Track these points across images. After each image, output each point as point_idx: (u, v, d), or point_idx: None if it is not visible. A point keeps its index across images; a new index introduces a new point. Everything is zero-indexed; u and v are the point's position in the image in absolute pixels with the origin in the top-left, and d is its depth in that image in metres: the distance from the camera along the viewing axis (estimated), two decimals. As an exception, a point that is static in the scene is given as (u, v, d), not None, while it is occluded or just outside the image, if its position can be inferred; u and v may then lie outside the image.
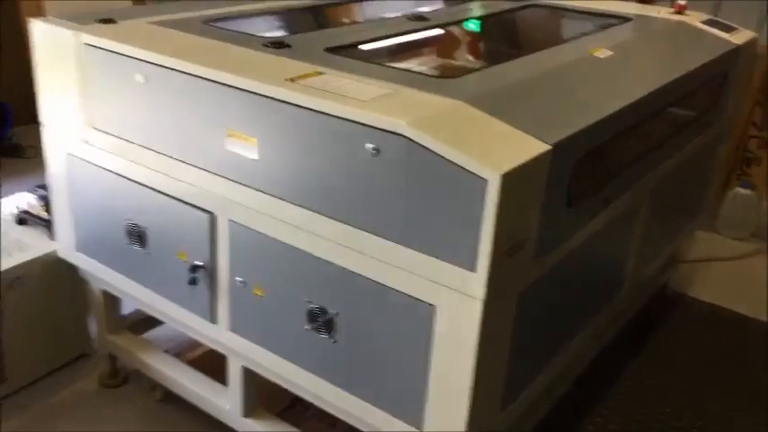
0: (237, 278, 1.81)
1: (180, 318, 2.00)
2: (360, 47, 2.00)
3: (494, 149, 1.38)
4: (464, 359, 1.46)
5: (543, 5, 2.77)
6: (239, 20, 2.23)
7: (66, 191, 2.15)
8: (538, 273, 1.59)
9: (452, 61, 2.21)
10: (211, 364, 2.17)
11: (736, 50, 2.49)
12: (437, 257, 1.43)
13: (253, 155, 1.65)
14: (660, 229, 2.41)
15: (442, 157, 1.35)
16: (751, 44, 2.64)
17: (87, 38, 1.90)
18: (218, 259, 1.84)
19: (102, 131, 1.97)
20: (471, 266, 1.39)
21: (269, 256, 1.73)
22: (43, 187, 2.44)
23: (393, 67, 1.80)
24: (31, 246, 2.37)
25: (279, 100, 1.56)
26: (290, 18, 2.45)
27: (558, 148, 1.45)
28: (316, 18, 2.51)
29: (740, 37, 2.58)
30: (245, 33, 2.01)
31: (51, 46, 1.99)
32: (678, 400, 2.49)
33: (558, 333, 1.93)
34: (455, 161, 1.34)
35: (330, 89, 1.55)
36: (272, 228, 1.69)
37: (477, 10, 2.57)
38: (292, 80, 1.60)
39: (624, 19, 2.56)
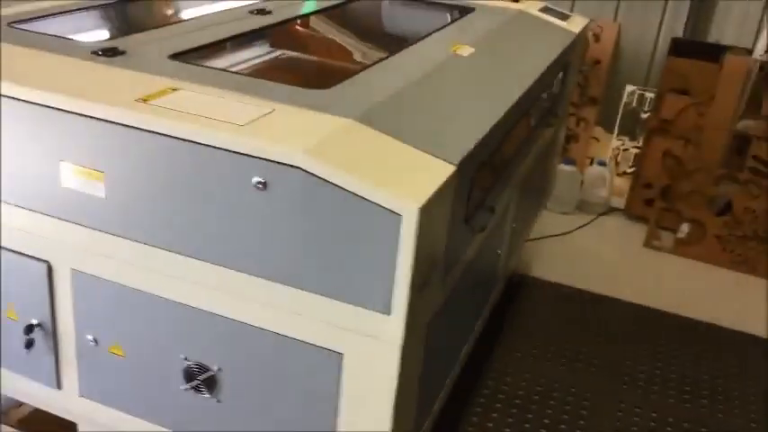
0: (87, 336, 1.51)
1: (15, 385, 1.66)
2: (206, 50, 1.74)
3: (401, 177, 1.22)
4: (380, 404, 1.31)
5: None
6: (48, 19, 1.87)
7: None
8: (442, 297, 1.47)
9: (312, 62, 2.02)
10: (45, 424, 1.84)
11: (576, 38, 2.52)
12: (342, 301, 1.26)
13: (98, 192, 1.37)
14: (523, 217, 2.40)
15: (347, 190, 1.17)
16: (584, 31, 2.70)
17: None
18: (59, 316, 1.53)
19: None
20: (385, 308, 1.23)
21: (128, 309, 1.45)
22: None
23: (254, 77, 1.58)
24: None
25: (131, 126, 1.29)
26: (107, 14, 2.11)
27: (461, 167, 1.33)
28: (137, 13, 2.19)
29: (576, 24, 2.63)
30: (65, 38, 1.68)
31: None
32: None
33: (457, 341, 1.83)
34: (363, 195, 1.17)
35: (194, 110, 1.31)
36: (130, 276, 1.42)
37: (321, 3, 2.38)
38: (145, 100, 1.33)
39: (466, 9, 2.50)
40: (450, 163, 1.29)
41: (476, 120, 1.53)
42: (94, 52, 1.57)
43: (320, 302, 1.27)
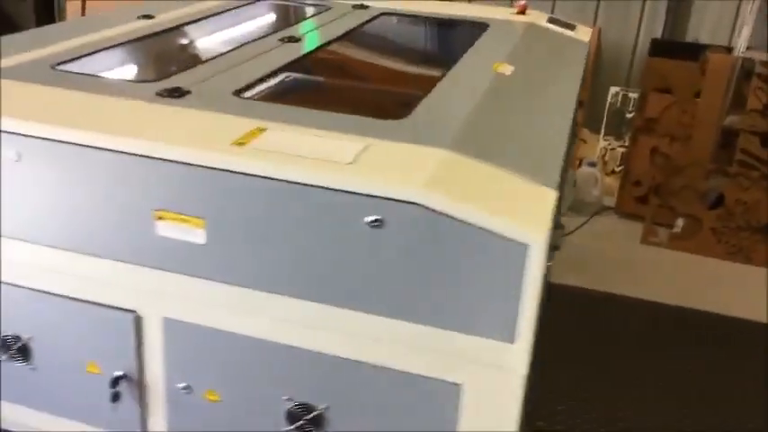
0: (179, 385, 1.48)
1: (95, 440, 1.62)
2: (261, 84, 1.72)
3: (514, 205, 1.24)
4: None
5: (392, 13, 2.65)
6: (91, 59, 1.83)
7: None
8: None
9: (363, 89, 2.01)
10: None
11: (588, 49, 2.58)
12: (461, 332, 1.27)
13: (198, 239, 1.34)
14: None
15: (469, 223, 1.19)
16: (592, 40, 2.76)
17: None
18: (147, 366, 1.50)
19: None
20: (508, 337, 1.25)
21: (225, 353, 1.43)
22: None
23: (319, 108, 1.57)
24: None
25: (233, 171, 1.28)
26: (148, 50, 2.07)
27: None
28: (179, 48, 2.15)
29: (584, 33, 2.69)
30: (123, 79, 1.65)
31: None
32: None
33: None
34: (486, 227, 1.18)
35: (293, 151, 1.30)
36: (229, 321, 1.40)
37: (339, 24, 2.38)
38: (241, 143, 1.32)
39: (483, 25, 2.53)
40: (551, 188, 1.32)
41: (549, 139, 1.56)
42: (159, 93, 1.54)
43: (437, 335, 1.28)
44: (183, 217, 1.33)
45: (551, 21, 2.72)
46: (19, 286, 1.51)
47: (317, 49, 2.06)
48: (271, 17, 2.66)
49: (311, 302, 1.34)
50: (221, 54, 1.92)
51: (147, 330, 1.47)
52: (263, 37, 2.14)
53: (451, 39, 2.42)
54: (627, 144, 4.08)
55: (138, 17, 2.24)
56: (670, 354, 2.81)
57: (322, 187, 1.24)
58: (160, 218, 1.35)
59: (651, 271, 3.48)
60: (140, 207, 1.36)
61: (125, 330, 1.47)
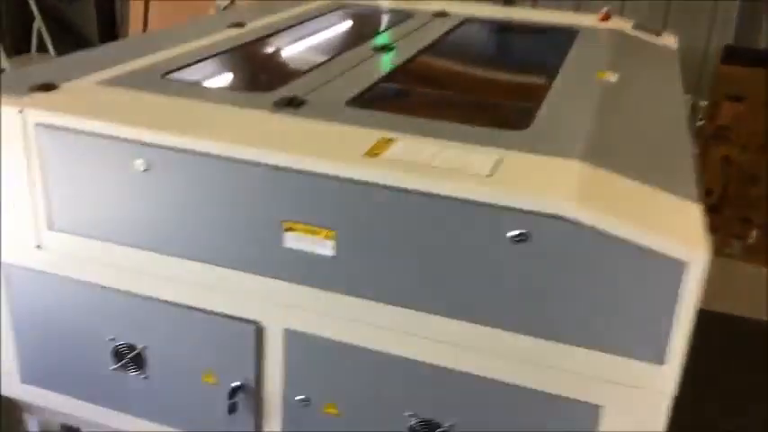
0: (297, 397, 1.46)
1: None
2: (372, 94, 1.70)
3: (664, 221, 1.20)
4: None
5: (477, 20, 2.61)
6: (196, 68, 1.82)
7: (3, 310, 1.63)
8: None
9: (475, 99, 1.97)
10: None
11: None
12: (605, 352, 1.23)
13: (327, 251, 1.32)
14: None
15: (622, 239, 1.15)
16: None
17: (40, 116, 1.42)
18: (265, 377, 1.48)
19: (70, 233, 1.49)
20: (657, 358, 1.20)
21: (348, 367, 1.41)
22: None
23: (438, 119, 1.54)
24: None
25: (369, 183, 1.26)
26: (248, 59, 2.06)
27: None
28: (276, 56, 2.14)
29: (670, 40, 2.62)
30: (237, 89, 1.64)
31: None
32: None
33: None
34: (642, 243, 1.14)
35: (428, 162, 1.27)
36: (354, 334, 1.37)
37: (425, 33, 2.35)
38: (374, 155, 1.30)
39: (571, 32, 2.48)
40: (695, 202, 1.27)
41: (677, 150, 1.52)
42: (278, 104, 1.53)
43: (579, 354, 1.24)
44: (313, 229, 1.31)
45: (637, 27, 2.66)
46: (137, 295, 1.50)
47: (412, 58, 2.03)
48: (355, 25, 2.65)
49: (442, 317, 1.31)
50: (322, 63, 1.90)
51: (268, 341, 1.45)
52: (355, 45, 2.12)
53: (541, 46, 2.37)
54: (697, 152, 3.99)
55: (228, 26, 2.24)
56: (749, 367, 2.73)
57: (462, 200, 1.21)
58: (289, 229, 1.33)
59: (724, 283, 3.39)
60: (268, 218, 1.34)
61: (246, 341, 1.45)
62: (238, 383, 1.48)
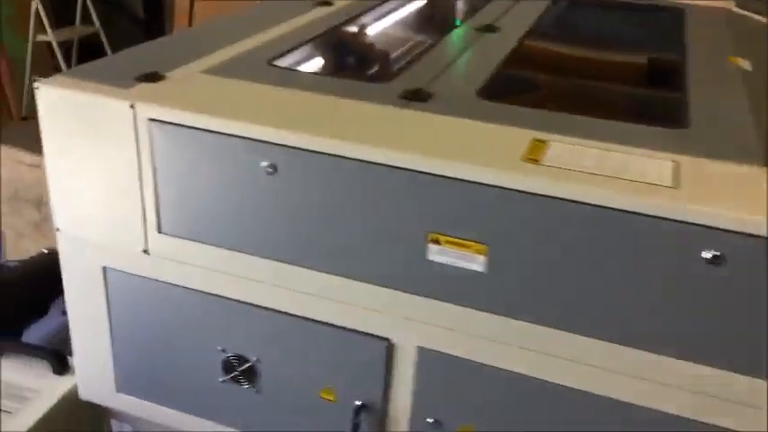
0: (428, 419, 1.34)
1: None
2: (497, 84, 1.55)
3: None
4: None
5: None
6: (299, 54, 1.68)
7: (102, 317, 1.52)
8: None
9: (603, 87, 1.80)
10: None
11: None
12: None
13: (476, 266, 1.19)
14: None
15: (836, 264, 1.00)
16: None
17: (153, 111, 1.29)
18: (393, 397, 1.36)
19: (182, 238, 1.37)
20: None
21: (486, 389, 1.28)
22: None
23: (578, 113, 1.39)
24: (33, 389, 1.68)
25: (529, 193, 1.12)
26: (348, 43, 1.91)
27: None
28: (377, 39, 1.99)
29: (776, 20, 2.44)
30: (354, 79, 1.50)
31: (82, 123, 1.34)
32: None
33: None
34: None
35: (598, 171, 1.13)
36: (498, 355, 1.25)
37: (523, 11, 2.18)
38: (533, 160, 1.16)
39: (677, 11, 2.30)
40: None
41: None
42: (404, 97, 1.39)
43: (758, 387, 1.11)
44: (462, 242, 1.18)
45: (740, 5, 2.48)
46: (254, 305, 1.38)
47: (522, 41, 1.88)
48: (444, 2, 2.48)
49: (593, 340, 1.18)
50: (431, 47, 1.76)
51: (398, 360, 1.33)
52: (453, 25, 1.97)
53: (649, 25, 2.20)
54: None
55: (315, 4, 2.09)
56: None
57: (646, 215, 1.07)
58: (434, 241, 1.20)
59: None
60: (411, 228, 1.20)
61: (375, 359, 1.33)
62: (359, 402, 1.37)
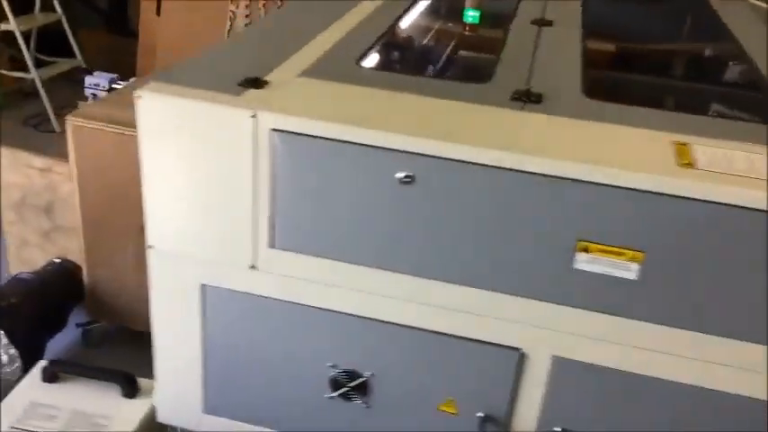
0: (555, 428, 1.33)
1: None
2: (593, 82, 1.53)
3: None
4: None
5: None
6: (381, 50, 1.62)
7: (195, 336, 1.43)
8: None
9: (694, 83, 1.79)
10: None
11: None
12: None
13: (629, 274, 1.17)
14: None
15: None
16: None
17: (276, 121, 1.21)
18: (519, 407, 1.34)
19: (294, 251, 1.30)
20: None
21: (617, 395, 1.27)
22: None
23: (698, 112, 1.39)
24: (104, 415, 1.58)
25: (689, 198, 1.11)
26: (418, 37, 1.85)
27: None
28: (443, 34, 1.93)
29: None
30: (450, 79, 1.46)
31: (189, 133, 1.25)
32: None
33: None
34: None
35: (749, 173, 1.13)
36: (645, 363, 1.24)
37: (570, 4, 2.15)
38: (688, 165, 1.14)
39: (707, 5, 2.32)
40: None
41: None
42: (517, 98, 1.35)
43: None
44: (617, 250, 1.16)
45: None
46: (370, 319, 1.33)
47: (586, 36, 1.86)
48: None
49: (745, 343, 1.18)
50: (504, 41, 1.72)
51: (529, 369, 1.30)
52: (505, 18, 1.93)
53: (686, 16, 2.21)
54: None
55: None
56: None
57: (813, 221, 1.07)
58: (584, 250, 1.17)
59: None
60: (558, 238, 1.18)
61: (505, 369, 1.30)
62: (483, 414, 1.34)
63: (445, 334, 1.30)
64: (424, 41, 1.84)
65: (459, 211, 1.20)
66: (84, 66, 4.39)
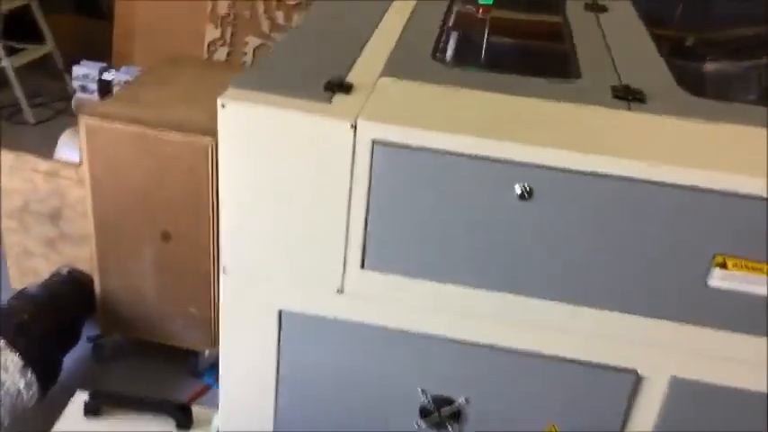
0: (669, 450, 1.25)
1: None
2: (686, 76, 1.43)
3: None
4: None
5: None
6: (448, 45, 1.50)
7: (269, 365, 1.30)
8: None
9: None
10: None
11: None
12: None
13: (760, 289, 1.09)
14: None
15: None
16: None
17: (378, 131, 1.08)
18: (628, 430, 1.25)
19: (386, 272, 1.18)
20: None
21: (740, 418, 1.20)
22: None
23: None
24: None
25: None
26: (467, 28, 1.71)
27: None
28: (498, 20, 1.79)
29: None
30: (534, 75, 1.34)
31: (277, 146, 1.11)
32: None
33: None
34: None
35: None
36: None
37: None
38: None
39: None
40: None
41: None
42: (618, 96, 1.25)
43: None
44: (758, 265, 1.07)
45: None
46: (469, 342, 1.22)
47: (647, 22, 1.76)
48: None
49: None
50: (568, 30, 1.61)
51: (645, 391, 1.21)
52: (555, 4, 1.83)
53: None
54: None
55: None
56: None
57: None
58: (720, 265, 1.08)
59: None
60: (692, 253, 1.08)
61: (618, 392, 1.21)
62: (592, 438, 1.25)
63: (553, 357, 1.21)
64: (484, 31, 1.71)
65: (580, 226, 1.10)
66: (52, 51, 4.15)
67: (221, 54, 4.05)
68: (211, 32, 4.02)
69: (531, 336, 1.19)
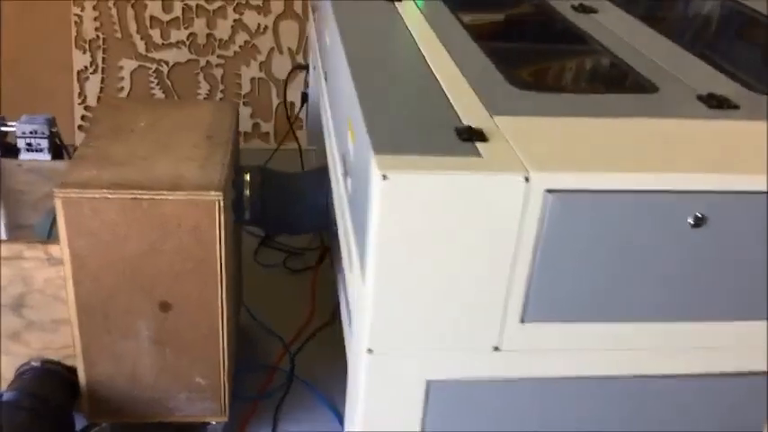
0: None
1: None
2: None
3: None
4: None
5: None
6: (515, 68, 1.43)
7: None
8: None
9: None
10: None
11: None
12: None
13: None
14: None
15: None
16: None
17: (555, 180, 1.00)
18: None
19: (549, 321, 1.11)
20: None
21: None
22: None
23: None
24: None
25: None
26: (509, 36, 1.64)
27: None
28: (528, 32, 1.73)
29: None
30: (613, 92, 1.32)
31: (440, 211, 1.00)
32: None
33: None
34: None
35: None
36: None
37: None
38: None
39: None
40: None
41: None
42: (713, 106, 1.26)
43: None
44: None
45: None
46: (634, 376, 1.18)
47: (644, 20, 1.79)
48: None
49: None
50: (588, 35, 1.60)
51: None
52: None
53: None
54: None
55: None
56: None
57: None
58: None
59: None
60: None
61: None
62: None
63: (705, 374, 1.20)
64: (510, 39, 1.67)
65: (752, 245, 1.09)
66: None
67: (94, 82, 3.71)
68: (80, 59, 3.67)
69: (694, 358, 1.18)
